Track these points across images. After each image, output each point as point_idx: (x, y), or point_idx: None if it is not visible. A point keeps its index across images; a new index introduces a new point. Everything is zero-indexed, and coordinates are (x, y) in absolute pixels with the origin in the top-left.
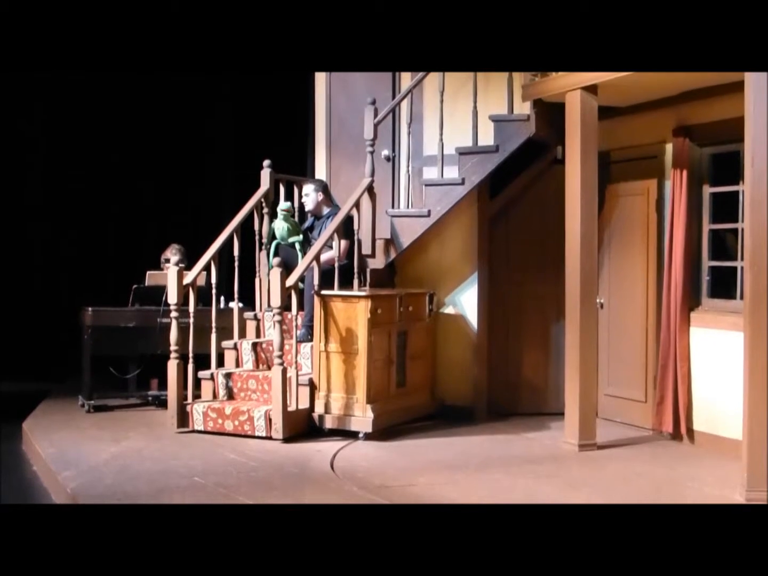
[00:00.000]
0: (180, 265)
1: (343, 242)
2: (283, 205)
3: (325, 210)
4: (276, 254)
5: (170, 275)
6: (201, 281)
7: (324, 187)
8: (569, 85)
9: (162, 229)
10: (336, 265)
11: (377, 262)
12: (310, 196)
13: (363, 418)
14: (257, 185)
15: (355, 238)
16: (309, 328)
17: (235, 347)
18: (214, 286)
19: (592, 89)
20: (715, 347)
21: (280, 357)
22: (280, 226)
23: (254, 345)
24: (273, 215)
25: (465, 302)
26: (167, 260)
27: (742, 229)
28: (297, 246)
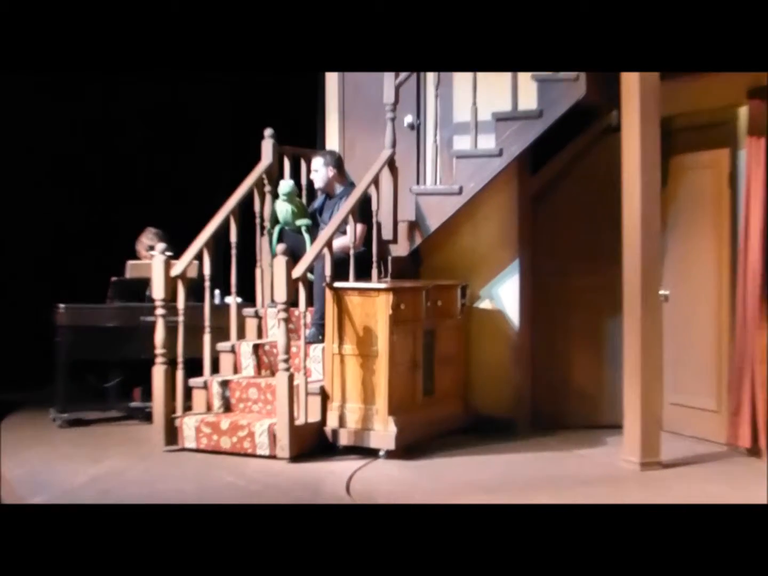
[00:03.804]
0: (167, 253)
1: (359, 226)
2: (284, 184)
3: (338, 188)
4: (280, 240)
5: (155, 266)
6: (192, 272)
7: (336, 161)
8: None
9: (144, 210)
10: (351, 252)
11: (400, 249)
12: (319, 172)
13: (384, 433)
14: (257, 158)
15: (374, 220)
16: (320, 326)
17: (232, 350)
18: (207, 278)
19: None
20: None
21: (286, 361)
22: (284, 208)
23: (255, 347)
24: (276, 194)
25: (503, 295)
26: (151, 248)
27: None
28: (304, 231)
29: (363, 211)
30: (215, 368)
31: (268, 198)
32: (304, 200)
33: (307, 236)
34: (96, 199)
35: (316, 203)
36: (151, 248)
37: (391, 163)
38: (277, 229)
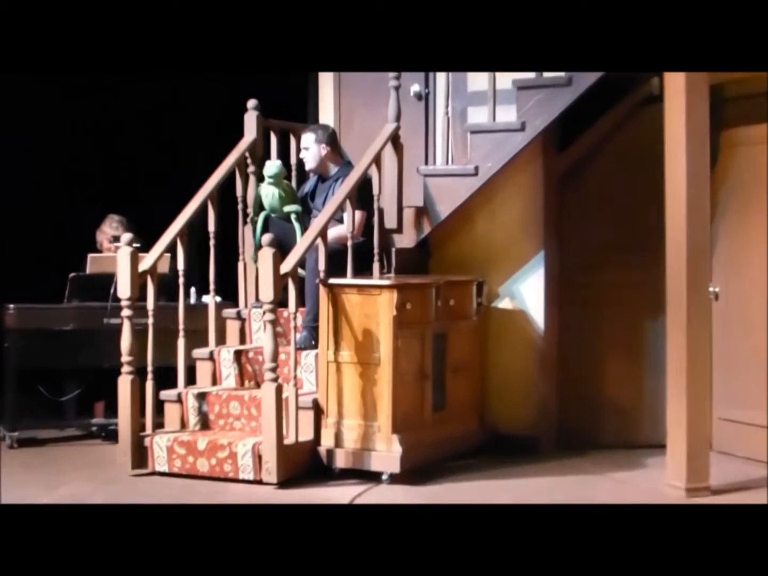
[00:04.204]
0: (134, 245)
1: (358, 213)
2: (271, 165)
3: (333, 169)
4: (266, 230)
5: (121, 259)
6: (163, 267)
7: (330, 137)
8: None
9: (106, 194)
10: (349, 244)
11: (405, 240)
12: (310, 150)
13: (387, 454)
14: (240, 134)
15: (375, 206)
16: (312, 330)
17: (211, 357)
18: (181, 273)
19: None
20: None
21: (274, 370)
22: (270, 192)
23: (237, 354)
24: (261, 176)
25: (526, 293)
26: (116, 239)
27: None
28: (294, 218)
29: (362, 195)
30: (191, 379)
31: (251, 180)
32: (293, 183)
33: (297, 225)
34: (52, 183)
35: (307, 186)
36: (116, 239)
37: (395, 140)
38: (262, 216)
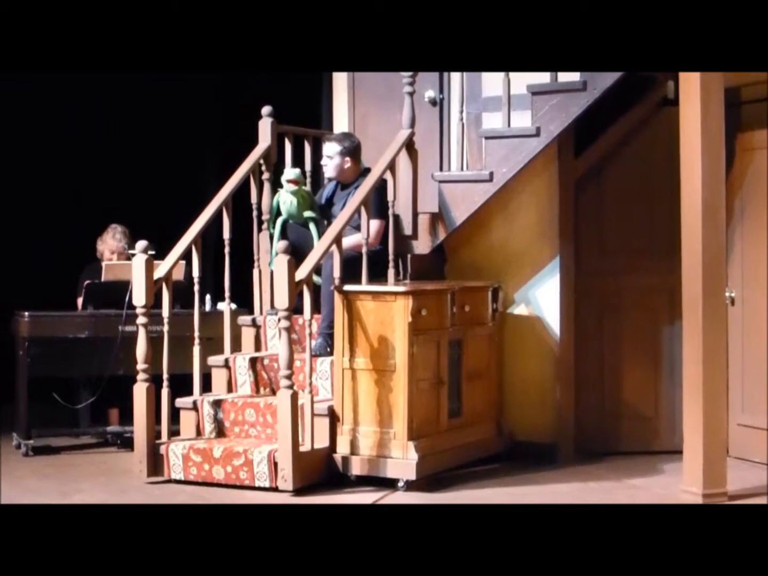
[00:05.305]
0: (149, 252)
1: (375, 222)
2: (290, 171)
3: (353, 177)
4: (284, 236)
5: (136, 267)
6: (178, 275)
7: (355, 150)
8: None
9: (120, 203)
10: (364, 250)
11: (421, 246)
12: (334, 160)
13: (403, 461)
14: (254, 141)
15: (390, 212)
16: (328, 337)
17: (226, 365)
18: (196, 281)
19: None
20: None
21: (289, 377)
22: (288, 198)
23: (253, 361)
24: (276, 183)
25: (542, 299)
26: (125, 248)
27: None
28: (311, 225)
29: (379, 202)
30: (206, 386)
31: (266, 187)
32: (308, 188)
33: (314, 230)
34: (63, 190)
35: (326, 192)
36: (126, 248)
37: (409, 146)
38: (279, 222)
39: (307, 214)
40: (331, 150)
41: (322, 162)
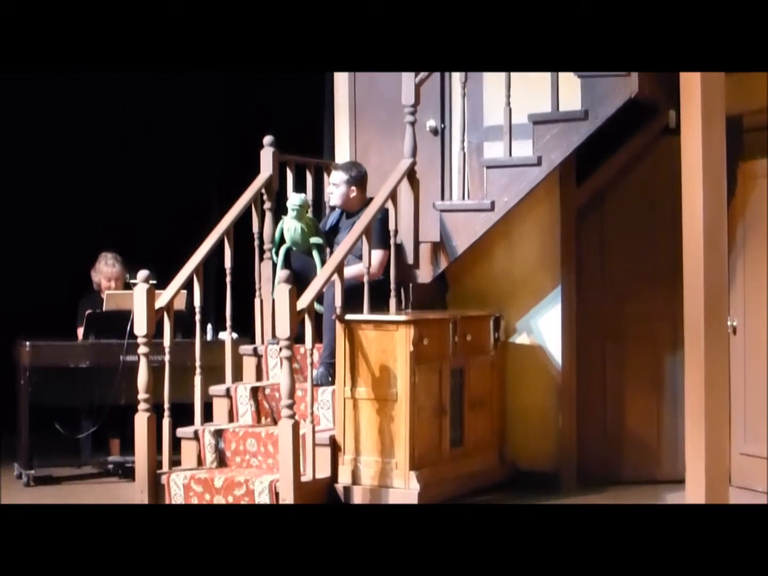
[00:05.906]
0: (150, 282)
1: (377, 253)
2: (295, 198)
3: (358, 206)
4: (287, 264)
5: (137, 296)
6: (180, 304)
7: (361, 180)
8: None
9: (121, 232)
10: (365, 279)
11: (422, 275)
12: (339, 189)
13: (405, 491)
14: (256, 170)
15: (392, 241)
16: (329, 366)
17: (227, 394)
18: (198, 310)
19: None
20: None
21: (290, 407)
22: (292, 225)
23: (254, 391)
24: (277, 211)
25: (544, 328)
26: (120, 272)
27: None
28: (315, 252)
29: (381, 232)
30: (208, 416)
31: (268, 216)
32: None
33: (318, 258)
34: (65, 219)
35: (330, 220)
36: (122, 272)
37: (411, 175)
38: (283, 250)
39: (313, 240)
40: (337, 178)
41: (328, 190)
